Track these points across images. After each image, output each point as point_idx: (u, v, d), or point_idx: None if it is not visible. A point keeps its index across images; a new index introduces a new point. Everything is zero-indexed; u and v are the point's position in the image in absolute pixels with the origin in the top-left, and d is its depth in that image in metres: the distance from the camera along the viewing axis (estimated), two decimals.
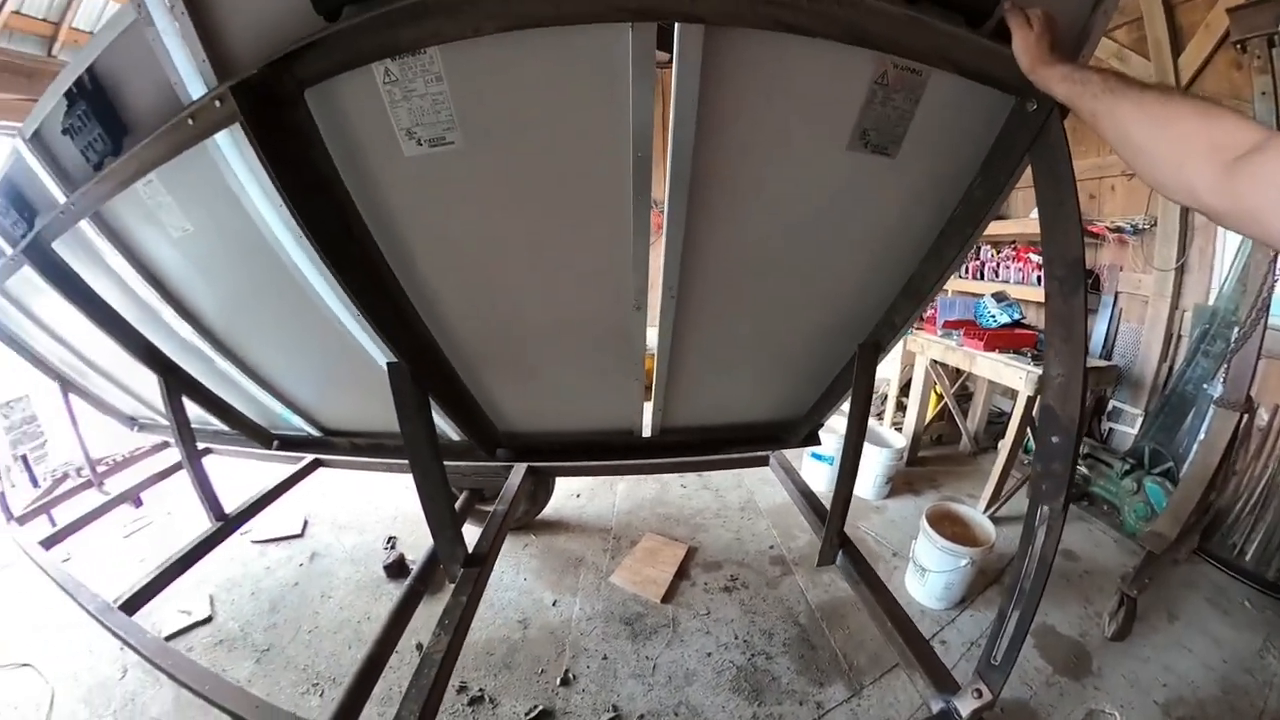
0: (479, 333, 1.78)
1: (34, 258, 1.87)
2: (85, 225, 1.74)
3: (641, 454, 2.41)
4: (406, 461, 1.78)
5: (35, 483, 4.18)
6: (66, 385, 3.59)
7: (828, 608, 2.96)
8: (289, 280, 1.63)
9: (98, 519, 3.11)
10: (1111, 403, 4.12)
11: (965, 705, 1.46)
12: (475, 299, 1.67)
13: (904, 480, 4.24)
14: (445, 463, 1.85)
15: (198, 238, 1.65)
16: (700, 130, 1.23)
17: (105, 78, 1.34)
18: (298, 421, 2.66)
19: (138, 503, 3.70)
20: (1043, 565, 1.29)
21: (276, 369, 2.35)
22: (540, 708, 2.38)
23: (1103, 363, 3.99)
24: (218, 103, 1.10)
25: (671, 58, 1.13)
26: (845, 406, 2.08)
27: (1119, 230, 3.85)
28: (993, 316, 4.09)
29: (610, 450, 2.41)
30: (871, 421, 4.21)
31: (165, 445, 3.88)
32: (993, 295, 4.22)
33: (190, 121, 1.17)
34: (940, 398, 4.72)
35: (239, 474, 3.26)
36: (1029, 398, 3.42)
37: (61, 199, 1.66)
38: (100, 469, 3.84)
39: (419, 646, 2.63)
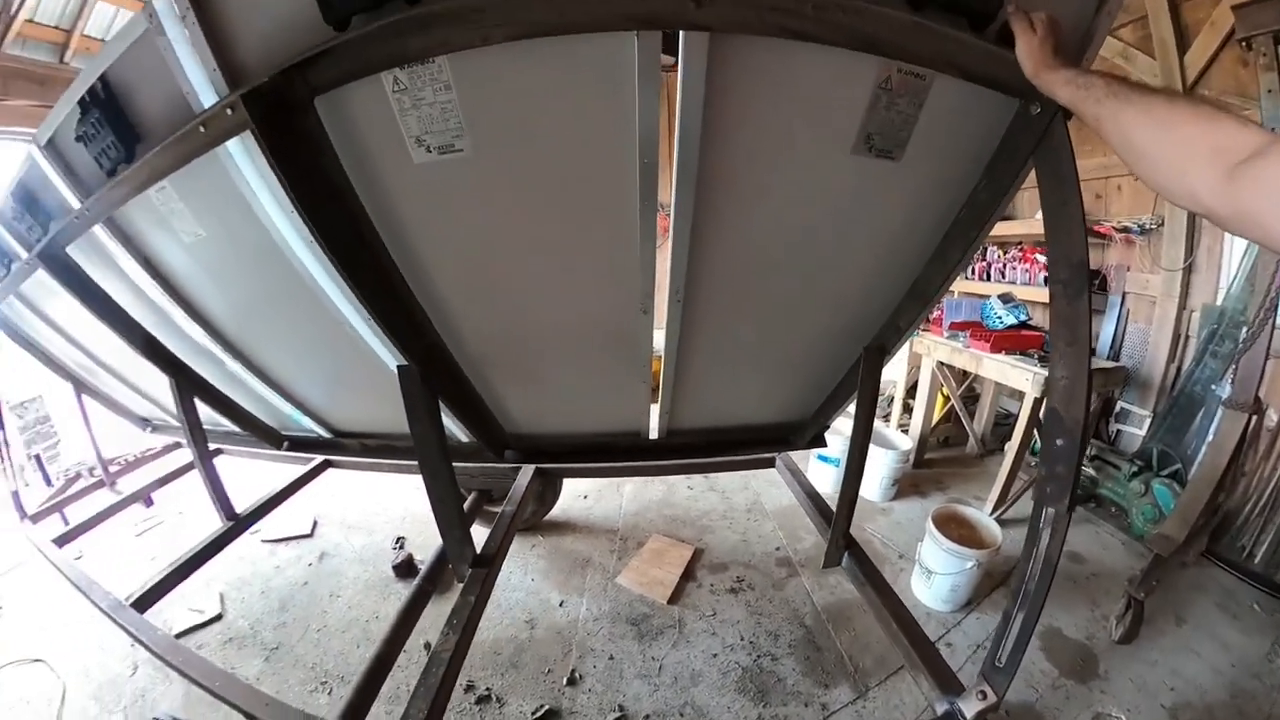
0: (488, 336, 1.80)
1: (48, 262, 1.90)
2: (99, 230, 1.76)
3: (648, 456, 2.42)
4: (416, 463, 1.80)
5: (48, 482, 4.24)
6: (80, 386, 3.63)
7: (833, 609, 2.97)
8: (300, 284, 1.65)
9: (110, 518, 3.15)
10: (1119, 404, 4.09)
11: (970, 707, 1.46)
12: (484, 303, 1.69)
13: (910, 482, 4.23)
14: (454, 464, 1.86)
15: (209, 242, 1.67)
16: (706, 135, 1.24)
17: (118, 86, 1.36)
18: (308, 423, 2.69)
19: (149, 502, 3.74)
20: (1047, 567, 1.29)
21: (287, 371, 2.38)
22: (547, 707, 2.39)
23: (1110, 364, 3.96)
24: (229, 110, 1.12)
25: (677, 61, 1.13)
26: (851, 409, 2.08)
27: (1126, 230, 3.83)
28: (999, 318, 4.07)
29: (617, 452, 2.42)
30: (878, 423, 4.22)
31: (177, 446, 3.93)
32: (999, 297, 4.21)
33: (202, 129, 1.20)
34: (947, 400, 4.70)
35: (249, 475, 3.29)
36: (1036, 399, 3.40)
37: (75, 205, 1.69)
38: (112, 469, 3.90)
39: (427, 646, 2.64)
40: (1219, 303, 3.46)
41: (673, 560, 3.35)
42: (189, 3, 1.07)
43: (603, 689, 2.51)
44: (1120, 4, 1.18)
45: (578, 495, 4.13)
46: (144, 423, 3.75)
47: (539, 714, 2.36)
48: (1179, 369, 3.75)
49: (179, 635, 2.82)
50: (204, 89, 1.18)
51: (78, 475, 4.17)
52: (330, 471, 3.15)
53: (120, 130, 1.39)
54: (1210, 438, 3.32)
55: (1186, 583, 3.10)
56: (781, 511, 3.88)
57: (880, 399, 4.93)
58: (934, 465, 4.60)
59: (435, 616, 2.13)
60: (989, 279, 4.84)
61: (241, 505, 2.71)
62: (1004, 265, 4.72)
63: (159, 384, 2.48)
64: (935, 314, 4.24)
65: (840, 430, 3.04)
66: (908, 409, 4.87)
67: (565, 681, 2.53)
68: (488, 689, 2.50)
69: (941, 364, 4.30)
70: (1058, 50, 1.02)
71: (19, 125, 4.20)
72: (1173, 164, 0.85)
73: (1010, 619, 1.37)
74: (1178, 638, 2.75)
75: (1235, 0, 2.74)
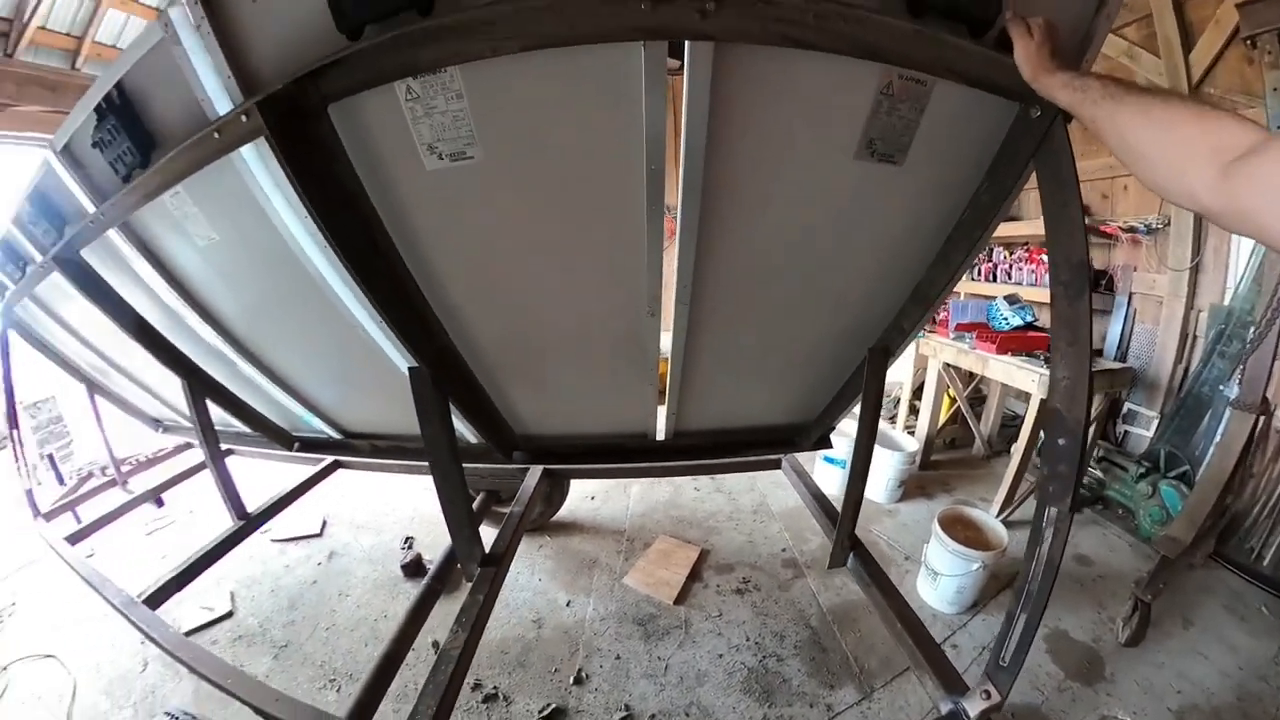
0: (498, 339, 1.82)
1: (63, 265, 1.94)
2: (113, 234, 1.79)
3: (655, 457, 2.44)
4: (425, 463, 1.82)
5: (61, 481, 4.27)
6: (93, 387, 3.68)
7: (839, 610, 2.97)
8: (313, 288, 1.67)
9: (121, 516, 3.19)
10: (1126, 405, 4.06)
11: (974, 706, 1.47)
12: (494, 306, 1.71)
13: (916, 484, 4.22)
14: (463, 465, 1.88)
15: (223, 246, 1.70)
16: (711, 143, 1.26)
17: (134, 93, 1.39)
18: (319, 424, 2.72)
19: (160, 502, 3.77)
20: (1050, 567, 1.30)
21: (299, 373, 2.41)
22: (553, 706, 2.41)
23: (1117, 364, 3.93)
24: (243, 117, 1.14)
25: (682, 64, 1.15)
26: (857, 410, 2.09)
27: (1132, 230, 3.82)
28: (1005, 319, 4.06)
29: (625, 453, 2.44)
30: (884, 425, 4.22)
31: (188, 446, 3.97)
32: (1005, 298, 4.19)
33: (216, 135, 1.22)
34: (953, 401, 4.69)
35: (259, 475, 3.32)
36: (1042, 401, 3.38)
37: (91, 209, 1.72)
38: (124, 468, 3.94)
39: (435, 644, 2.67)
40: (1226, 302, 3.44)
41: (679, 561, 3.36)
42: (204, 12, 1.10)
43: (609, 688, 2.52)
44: (1120, 5, 1.19)
45: (585, 496, 4.15)
46: (156, 423, 3.80)
47: (546, 713, 2.38)
48: (1186, 370, 3.73)
49: (189, 632, 2.85)
50: (218, 96, 1.21)
51: (90, 474, 4.21)
52: (340, 472, 3.17)
53: (136, 136, 1.42)
54: (1218, 439, 3.29)
55: (1194, 585, 3.09)
56: (787, 513, 3.89)
57: (886, 401, 4.93)
58: (940, 467, 4.59)
59: (443, 615, 2.14)
60: (995, 280, 4.83)
61: (252, 505, 2.74)
62: (1010, 266, 4.72)
63: (171, 385, 2.51)
64: (941, 315, 4.23)
65: (846, 432, 3.05)
66: (914, 411, 4.86)
67: (572, 681, 2.55)
68: (495, 687, 2.51)
69: (948, 365, 4.29)
70: (1055, 54, 1.04)
71: (31, 130, 4.28)
72: (1171, 164, 0.85)
73: (1014, 618, 1.38)
74: (1185, 640, 2.74)
75: None
